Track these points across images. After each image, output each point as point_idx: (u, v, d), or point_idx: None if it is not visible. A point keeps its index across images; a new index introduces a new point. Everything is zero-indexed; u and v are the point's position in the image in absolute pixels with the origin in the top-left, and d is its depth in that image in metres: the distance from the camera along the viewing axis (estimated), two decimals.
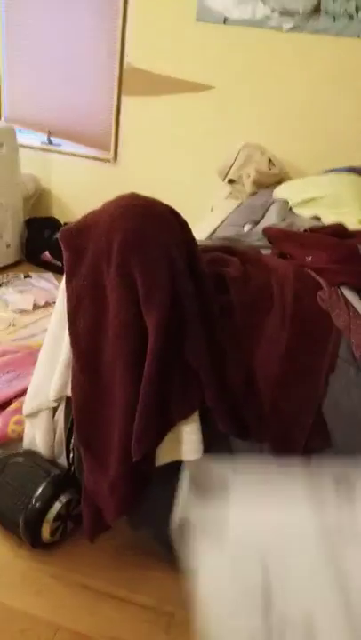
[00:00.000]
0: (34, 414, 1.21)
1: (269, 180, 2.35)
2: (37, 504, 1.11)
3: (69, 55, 2.75)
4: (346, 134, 2.41)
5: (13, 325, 2.12)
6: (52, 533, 1.15)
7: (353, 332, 1.02)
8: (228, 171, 2.40)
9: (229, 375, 0.97)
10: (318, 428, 0.93)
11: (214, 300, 1.00)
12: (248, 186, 2.32)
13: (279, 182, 2.33)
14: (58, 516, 1.14)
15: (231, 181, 2.40)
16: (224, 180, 2.42)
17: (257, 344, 0.99)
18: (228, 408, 0.96)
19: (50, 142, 2.93)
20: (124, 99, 2.71)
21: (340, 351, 1.00)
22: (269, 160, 2.40)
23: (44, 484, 1.13)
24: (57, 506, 1.13)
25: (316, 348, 1.00)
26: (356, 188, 2.02)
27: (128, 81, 2.66)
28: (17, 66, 2.89)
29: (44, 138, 2.92)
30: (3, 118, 2.97)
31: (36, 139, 2.95)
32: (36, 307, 2.29)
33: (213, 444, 0.99)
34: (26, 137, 2.90)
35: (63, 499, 1.14)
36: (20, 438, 1.31)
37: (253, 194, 2.29)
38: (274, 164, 2.40)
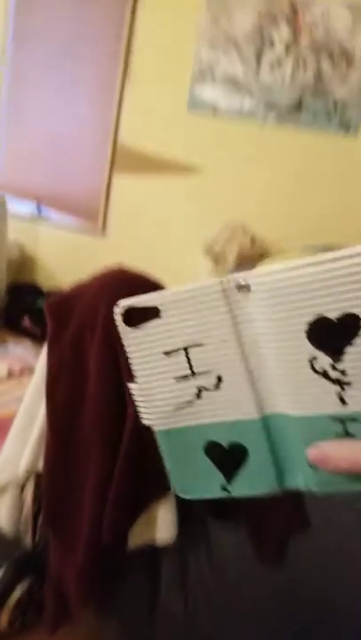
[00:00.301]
0: (1, 489, 1.15)
1: (252, 257, 2.43)
2: None
3: (65, 132, 2.87)
4: (325, 218, 2.52)
5: None
6: (11, 623, 1.06)
7: None
8: (213, 247, 2.47)
9: None
10: (296, 507, 0.91)
11: None
12: (231, 262, 2.39)
13: (261, 258, 2.41)
14: (18, 603, 1.06)
15: (215, 258, 2.47)
16: (208, 255, 2.49)
17: None
18: None
19: (39, 211, 3.00)
20: (114, 175, 2.81)
21: None
22: (252, 238, 2.49)
23: (5, 567, 1.06)
24: (18, 591, 1.06)
25: None
26: None
27: (120, 159, 2.78)
28: (13, 138, 2.99)
29: (34, 206, 2.99)
30: None
31: (26, 207, 3.01)
32: (10, 374, 2.25)
33: (188, 524, 0.96)
34: (15, 205, 2.97)
35: (25, 583, 1.07)
36: None
37: (236, 270, 2.35)
38: (256, 242, 2.48)
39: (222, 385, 0.39)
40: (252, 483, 0.40)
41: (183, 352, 0.39)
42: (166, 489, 0.96)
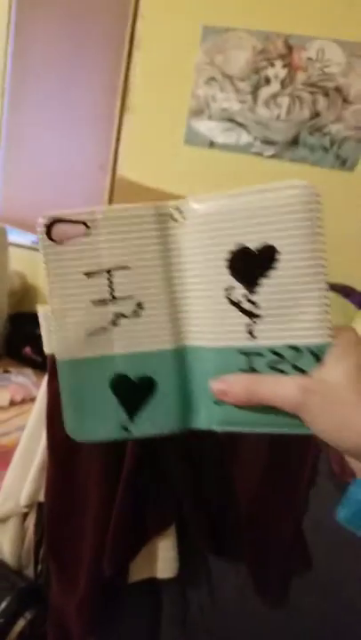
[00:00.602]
0: (2, 520, 1.16)
1: None
2: (0, 620, 1.04)
3: (63, 164, 2.94)
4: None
5: None
6: None
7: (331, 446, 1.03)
8: None
9: (206, 489, 0.96)
10: (298, 548, 0.91)
11: None
12: None
13: None
14: (21, 635, 1.06)
15: None
16: None
17: (235, 456, 0.99)
18: (204, 523, 0.94)
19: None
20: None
21: (320, 465, 1.01)
22: None
23: (8, 599, 1.06)
24: (21, 623, 1.06)
25: (296, 461, 1.00)
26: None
27: (118, 190, 2.84)
28: (12, 170, 3.07)
29: (34, 237, 3.04)
30: None
31: (27, 238, 3.06)
32: (12, 403, 2.26)
33: (189, 562, 0.96)
34: (16, 236, 3.02)
35: (28, 615, 1.07)
36: None
37: None
38: None
39: (142, 312, 0.38)
40: (155, 421, 0.39)
41: (106, 274, 0.38)
42: (167, 524, 0.97)
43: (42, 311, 0.40)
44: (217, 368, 0.37)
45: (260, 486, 0.93)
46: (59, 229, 0.38)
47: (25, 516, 1.14)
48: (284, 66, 2.54)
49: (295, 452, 1.02)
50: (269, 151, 2.55)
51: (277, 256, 0.35)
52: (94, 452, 0.96)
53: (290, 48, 2.52)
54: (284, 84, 2.55)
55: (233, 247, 0.36)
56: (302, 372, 0.35)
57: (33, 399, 2.15)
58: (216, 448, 0.97)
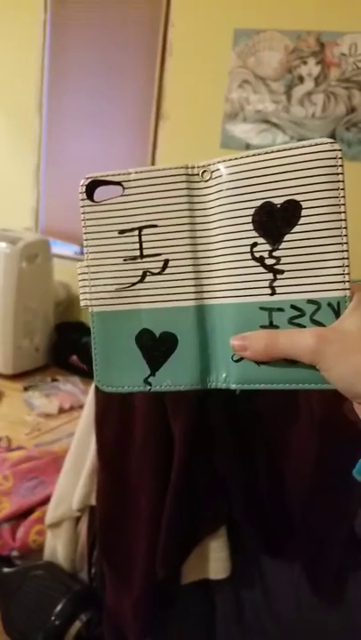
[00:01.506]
0: (56, 524, 1.19)
1: None
2: (57, 622, 1.07)
3: None
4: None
5: (38, 430, 2.13)
6: None
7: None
8: None
9: (258, 485, 0.96)
10: (352, 546, 0.90)
11: (241, 407, 1.01)
12: None
13: None
14: (77, 637, 1.08)
15: None
16: None
17: (286, 453, 0.98)
18: (256, 521, 0.94)
19: (82, 253, 3.11)
20: None
21: None
22: None
23: (64, 601, 1.09)
24: (77, 625, 1.08)
25: (347, 459, 0.98)
26: None
27: None
28: (54, 183, 3.14)
29: (77, 248, 3.11)
30: (39, 231, 3.19)
31: (70, 249, 3.13)
32: (61, 411, 2.31)
33: (242, 562, 0.96)
34: (60, 248, 3.09)
35: (84, 617, 1.09)
36: (40, 549, 1.28)
37: None
38: None
39: (167, 270, 0.40)
40: (175, 376, 0.40)
41: (137, 232, 0.40)
42: (219, 525, 0.98)
43: (79, 266, 0.41)
44: (238, 325, 0.38)
45: (311, 483, 0.92)
46: (97, 190, 0.41)
47: (78, 520, 1.17)
48: (318, 63, 2.52)
49: (346, 448, 1.00)
50: None
51: (301, 212, 0.37)
52: (145, 454, 0.97)
53: (322, 45, 2.50)
54: (317, 82, 2.53)
55: (258, 204, 0.37)
56: (321, 325, 0.37)
57: (81, 406, 2.19)
58: (266, 439, 0.97)
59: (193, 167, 0.39)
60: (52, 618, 1.07)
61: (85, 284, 0.41)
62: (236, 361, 0.39)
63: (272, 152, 0.37)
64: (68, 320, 3.06)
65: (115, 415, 1.04)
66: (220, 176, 0.38)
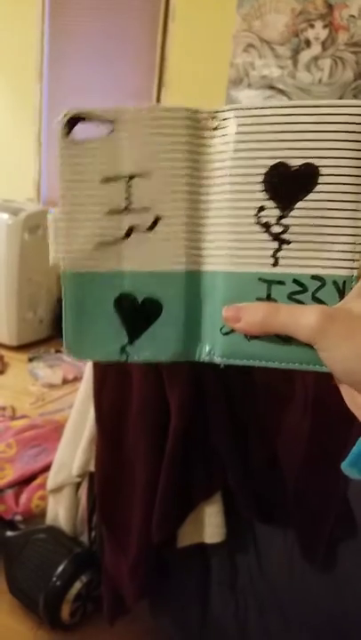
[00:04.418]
0: (57, 490, 1.22)
1: None
2: (58, 582, 1.10)
3: None
4: None
5: (42, 400, 2.16)
6: (72, 614, 1.12)
7: None
8: None
9: (252, 456, 0.98)
10: (344, 515, 0.92)
11: (237, 379, 1.02)
12: None
13: None
14: (78, 597, 1.12)
15: None
16: None
17: (279, 427, 0.99)
18: (250, 490, 0.95)
19: None
20: None
21: None
22: None
23: (65, 563, 1.12)
24: (77, 585, 1.12)
25: (339, 434, 1.00)
26: None
27: None
28: (56, 155, 3.11)
29: None
30: (41, 202, 3.17)
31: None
32: (65, 381, 2.34)
33: (236, 528, 0.98)
34: None
35: (84, 578, 1.13)
36: (43, 514, 1.31)
37: None
38: None
39: (157, 228, 0.35)
40: (155, 346, 0.36)
41: (125, 181, 0.34)
42: (213, 491, 0.99)
43: (51, 217, 0.35)
44: (231, 295, 0.35)
45: (304, 457, 0.94)
46: (80, 127, 0.35)
47: (78, 485, 1.19)
48: (325, 26, 2.45)
49: (339, 424, 1.01)
50: None
51: (318, 178, 0.33)
52: (141, 423, 0.99)
53: (330, 7, 2.43)
54: (325, 46, 2.47)
55: (271, 162, 0.33)
56: (322, 304, 0.34)
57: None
58: (261, 412, 0.98)
59: (200, 112, 0.34)
60: (54, 579, 1.11)
61: (58, 238, 0.35)
62: (225, 334, 0.35)
63: (295, 107, 0.32)
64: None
65: (112, 384, 1.05)
66: (230, 126, 0.34)
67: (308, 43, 2.50)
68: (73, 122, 0.35)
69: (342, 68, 2.46)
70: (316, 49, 2.49)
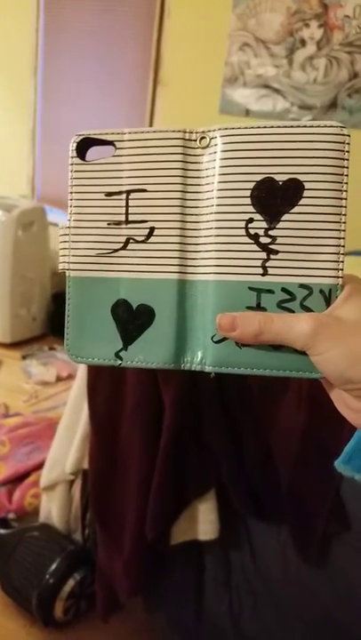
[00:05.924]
0: (50, 487, 1.21)
1: None
2: (51, 580, 1.10)
3: None
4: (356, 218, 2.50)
5: (36, 397, 2.15)
6: (65, 612, 1.12)
7: None
8: None
9: (246, 453, 0.98)
10: (337, 511, 0.92)
11: (231, 378, 1.02)
12: None
13: None
14: (71, 594, 1.12)
15: None
16: None
17: (273, 424, 0.99)
18: (244, 486, 0.95)
19: None
20: None
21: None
22: None
23: (58, 560, 1.12)
24: (70, 583, 1.11)
25: (333, 429, 1.00)
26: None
27: None
28: (50, 153, 3.10)
29: None
30: (35, 198, 3.16)
31: (66, 217, 3.10)
32: (58, 379, 2.33)
33: (230, 524, 0.98)
34: (56, 215, 3.06)
35: (77, 576, 1.12)
36: (36, 512, 1.31)
37: None
38: None
39: (152, 239, 0.38)
40: (147, 352, 0.38)
41: (125, 195, 0.38)
42: (207, 488, 1.00)
43: (61, 227, 0.40)
44: (222, 304, 0.36)
45: (298, 454, 0.94)
46: (88, 148, 0.39)
47: (71, 483, 1.19)
48: (320, 26, 2.45)
49: (332, 420, 1.02)
50: (307, 116, 2.48)
51: (303, 192, 0.35)
52: (135, 420, 0.98)
53: (325, 6, 2.43)
54: (320, 46, 2.47)
55: (259, 178, 0.36)
56: (310, 311, 0.35)
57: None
58: (256, 409, 0.98)
59: (191, 132, 0.37)
60: (47, 576, 1.11)
61: (66, 246, 0.39)
62: (217, 342, 0.37)
63: (280, 127, 0.35)
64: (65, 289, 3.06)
65: (106, 382, 1.05)
66: (219, 144, 0.36)
67: (303, 42, 2.50)
68: (83, 144, 0.39)
69: (337, 68, 2.47)
70: (311, 48, 2.49)
